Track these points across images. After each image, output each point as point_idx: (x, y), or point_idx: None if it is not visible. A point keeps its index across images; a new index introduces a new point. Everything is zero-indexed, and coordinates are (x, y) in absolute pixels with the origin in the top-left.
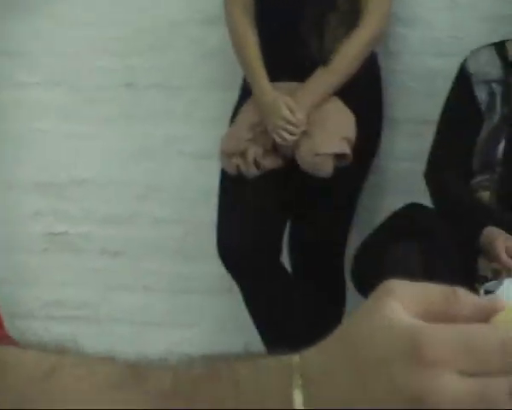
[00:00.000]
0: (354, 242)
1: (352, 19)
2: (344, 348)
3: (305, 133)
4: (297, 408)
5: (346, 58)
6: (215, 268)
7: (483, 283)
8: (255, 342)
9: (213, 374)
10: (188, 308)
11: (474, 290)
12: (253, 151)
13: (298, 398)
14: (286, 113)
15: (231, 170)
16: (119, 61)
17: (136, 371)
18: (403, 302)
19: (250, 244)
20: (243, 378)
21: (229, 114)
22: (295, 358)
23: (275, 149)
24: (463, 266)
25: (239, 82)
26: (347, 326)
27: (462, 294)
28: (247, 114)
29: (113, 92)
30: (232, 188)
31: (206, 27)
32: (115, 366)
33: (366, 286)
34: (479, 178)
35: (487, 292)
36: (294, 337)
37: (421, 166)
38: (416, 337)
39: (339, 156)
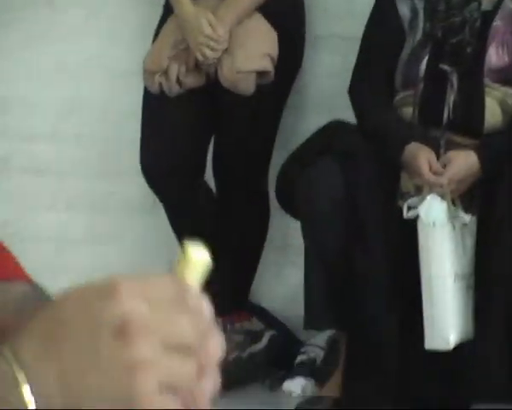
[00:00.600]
0: (277, 162)
1: None
2: (52, 328)
3: (226, 51)
4: (31, 408)
5: None
6: (138, 186)
7: (406, 199)
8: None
9: None
10: (110, 226)
11: (397, 207)
12: (176, 69)
13: (28, 396)
14: (207, 29)
15: (154, 89)
16: None
17: None
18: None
19: (173, 163)
20: None
21: (153, 31)
22: (6, 347)
23: (197, 66)
24: (385, 184)
25: None
26: (57, 305)
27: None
28: (170, 32)
29: (35, 11)
30: (155, 106)
31: None
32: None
33: (289, 204)
34: (401, 95)
35: (410, 208)
36: (216, 256)
37: (345, 83)
38: (110, 280)
39: (261, 74)
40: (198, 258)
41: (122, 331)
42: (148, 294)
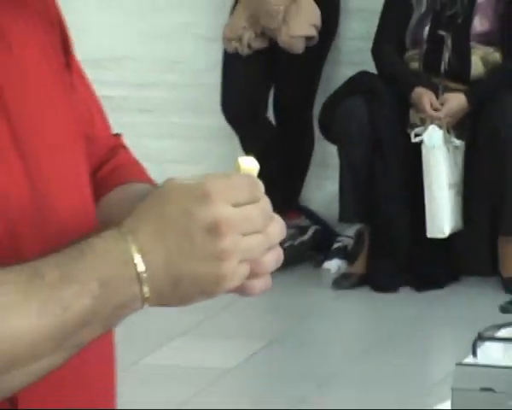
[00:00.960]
0: (319, 101)
1: None
2: (167, 226)
3: (284, 20)
4: (140, 270)
5: None
6: (219, 121)
7: (413, 128)
8: None
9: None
10: (198, 150)
11: (406, 135)
12: (247, 36)
13: (138, 261)
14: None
15: (230, 50)
16: None
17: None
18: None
19: (244, 103)
20: (86, 245)
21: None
22: (125, 229)
23: (263, 33)
24: (398, 116)
25: None
26: (164, 202)
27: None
28: (243, 7)
29: None
30: (231, 63)
31: None
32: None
33: (328, 133)
34: (410, 53)
35: (416, 135)
36: (276, 172)
37: (368, 45)
38: (203, 186)
39: (308, 38)
40: (248, 165)
41: (213, 229)
42: (231, 197)
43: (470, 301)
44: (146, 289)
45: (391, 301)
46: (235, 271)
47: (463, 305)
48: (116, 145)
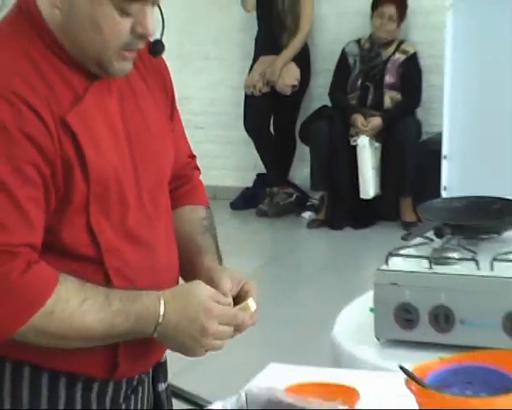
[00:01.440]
0: (299, 122)
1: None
2: (185, 308)
3: (280, 76)
4: (159, 320)
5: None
6: (243, 134)
7: (352, 137)
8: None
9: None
10: (230, 151)
11: (348, 141)
12: (259, 85)
13: (161, 309)
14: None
15: (249, 93)
16: None
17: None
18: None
19: (257, 123)
20: (141, 295)
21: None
22: (163, 293)
23: (267, 83)
24: (344, 131)
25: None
26: (188, 296)
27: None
28: (257, 67)
29: None
30: (249, 100)
31: None
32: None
33: (305, 139)
34: (350, 95)
35: (354, 141)
36: (274, 161)
37: (327, 90)
38: (208, 308)
39: (293, 86)
40: (250, 304)
41: (204, 331)
42: (220, 318)
43: (385, 234)
44: (158, 329)
45: (339, 235)
46: (208, 343)
47: (381, 237)
48: (192, 165)
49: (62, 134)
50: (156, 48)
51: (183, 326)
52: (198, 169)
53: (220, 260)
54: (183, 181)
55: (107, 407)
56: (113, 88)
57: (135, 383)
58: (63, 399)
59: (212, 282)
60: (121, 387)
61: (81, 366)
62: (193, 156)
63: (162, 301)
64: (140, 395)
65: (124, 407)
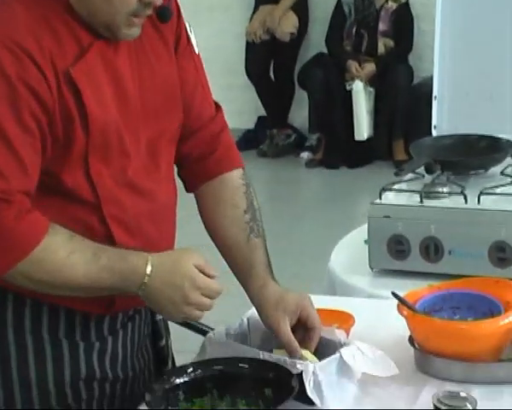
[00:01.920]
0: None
1: None
2: (171, 274)
3: (279, 23)
4: (145, 280)
5: None
6: (244, 78)
7: (348, 82)
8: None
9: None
10: (233, 93)
11: (344, 86)
12: (259, 32)
13: (148, 271)
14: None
15: (250, 40)
16: None
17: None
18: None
19: (257, 69)
20: (131, 254)
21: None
22: (151, 256)
23: (268, 30)
24: (340, 76)
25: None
26: (176, 262)
27: None
28: (258, 16)
29: None
30: (250, 47)
31: None
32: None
33: (303, 84)
34: (345, 42)
35: (349, 86)
36: (275, 105)
37: (324, 38)
38: (193, 278)
39: (292, 33)
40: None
41: (185, 299)
42: (204, 289)
43: (378, 173)
44: (143, 286)
45: (335, 174)
46: (190, 310)
47: (375, 176)
48: (217, 126)
49: (64, 86)
50: (163, 14)
51: (167, 291)
52: (225, 125)
53: (270, 267)
54: (210, 145)
55: (105, 334)
56: (120, 44)
57: (131, 312)
58: (63, 327)
59: (265, 312)
60: (117, 316)
61: (79, 304)
62: (216, 115)
63: (149, 264)
64: (137, 322)
65: (121, 333)
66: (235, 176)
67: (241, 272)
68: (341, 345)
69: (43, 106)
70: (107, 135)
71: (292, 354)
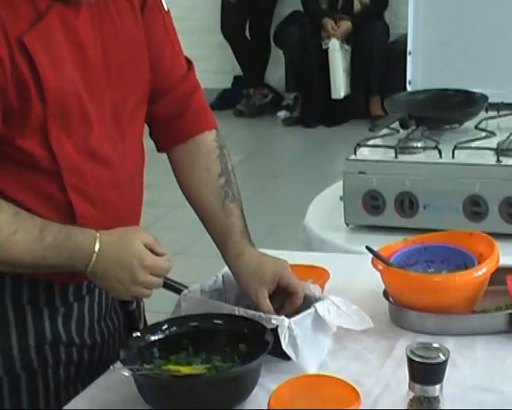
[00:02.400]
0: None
1: None
2: (119, 253)
3: None
4: (95, 250)
5: None
6: (220, 37)
7: (324, 40)
8: None
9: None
10: (208, 49)
11: (320, 44)
12: None
13: (96, 249)
14: None
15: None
16: None
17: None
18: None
19: (233, 28)
20: (76, 231)
21: None
22: (100, 233)
23: None
24: (316, 34)
25: None
26: (124, 241)
27: None
28: None
29: None
30: (227, 7)
31: None
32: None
33: (278, 43)
34: (321, 0)
35: (325, 44)
36: (252, 64)
37: None
38: (141, 257)
39: None
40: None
41: (134, 279)
42: (153, 268)
43: (355, 131)
44: (91, 265)
45: (312, 133)
46: (137, 291)
47: (351, 134)
48: (189, 86)
49: (17, 54)
50: None
51: (115, 270)
52: (197, 86)
53: (246, 232)
54: (182, 106)
55: (71, 300)
56: (82, 6)
57: None
58: (26, 294)
59: (243, 280)
60: (83, 283)
61: (42, 274)
62: (188, 74)
63: (97, 242)
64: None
65: (87, 298)
66: (208, 138)
67: (218, 238)
68: (316, 300)
69: None
70: (66, 103)
71: None
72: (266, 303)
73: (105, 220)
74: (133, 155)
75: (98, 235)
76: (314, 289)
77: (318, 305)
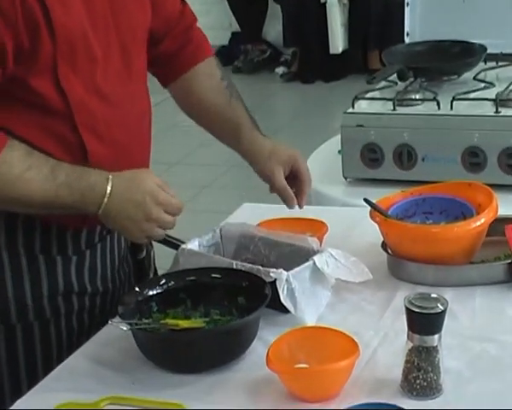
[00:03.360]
0: None
1: None
2: (131, 191)
3: None
4: (105, 200)
5: None
6: None
7: None
8: None
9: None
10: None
11: (318, 0)
12: None
13: (108, 190)
14: None
15: None
16: None
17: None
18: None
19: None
20: (89, 172)
21: None
22: (111, 174)
23: None
24: None
25: None
26: (136, 180)
27: None
28: None
29: None
30: None
31: None
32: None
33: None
34: None
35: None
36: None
37: None
38: (154, 194)
39: None
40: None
41: (147, 216)
42: (166, 205)
43: (354, 86)
44: (103, 205)
45: (311, 88)
46: (151, 229)
47: (350, 88)
48: (187, 19)
49: None
50: None
51: (128, 209)
52: (194, 19)
53: (256, 124)
54: (182, 40)
55: (83, 248)
56: None
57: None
58: (39, 243)
59: (259, 164)
60: (95, 229)
61: (55, 217)
62: (183, 9)
63: (110, 182)
64: (116, 234)
65: (99, 246)
66: (208, 62)
67: (230, 133)
68: (314, 252)
69: (5, 19)
70: (74, 41)
71: (288, 201)
72: (282, 180)
73: (116, 160)
74: (140, 96)
75: (110, 177)
76: (312, 242)
77: (317, 258)
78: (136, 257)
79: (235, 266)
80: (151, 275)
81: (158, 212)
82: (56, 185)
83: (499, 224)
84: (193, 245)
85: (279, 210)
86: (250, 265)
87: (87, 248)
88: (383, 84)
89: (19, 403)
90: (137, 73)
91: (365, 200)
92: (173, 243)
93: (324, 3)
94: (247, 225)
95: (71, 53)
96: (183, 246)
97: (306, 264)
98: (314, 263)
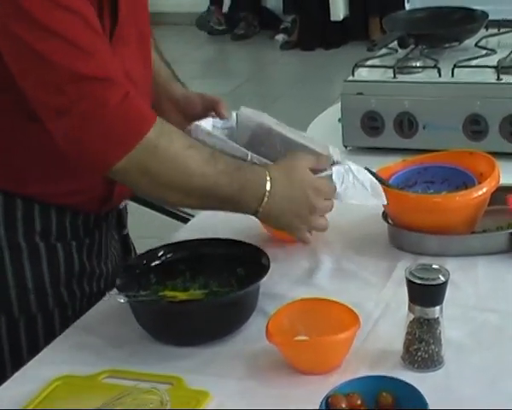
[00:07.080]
0: None
1: None
2: (291, 186)
3: None
4: (265, 199)
5: None
6: None
7: None
8: None
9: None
10: None
11: None
12: None
13: (268, 186)
14: None
15: None
16: None
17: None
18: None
19: None
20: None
21: None
22: (268, 170)
23: None
24: None
25: None
26: (292, 172)
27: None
28: None
29: None
30: None
31: None
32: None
33: None
34: None
35: None
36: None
37: None
38: (316, 187)
39: None
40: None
41: (313, 209)
42: (323, 193)
43: (354, 53)
44: (263, 206)
45: (311, 55)
46: (315, 221)
47: (351, 56)
48: None
49: None
50: None
51: (291, 208)
52: None
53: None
54: None
55: (91, 227)
56: None
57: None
58: (55, 231)
59: (191, 105)
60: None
61: (71, 199)
62: None
63: (268, 177)
64: (112, 212)
65: (104, 225)
66: None
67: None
68: (334, 163)
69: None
70: (124, 22)
71: (216, 105)
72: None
73: None
74: (150, 79)
75: (267, 172)
76: (334, 151)
77: (335, 169)
78: (120, 233)
79: (249, 158)
80: (132, 250)
81: (320, 202)
82: (217, 171)
83: (501, 193)
84: (207, 124)
85: None
86: (264, 159)
87: (95, 227)
88: (384, 51)
89: (17, 375)
90: (149, 58)
91: (366, 169)
92: (178, 215)
93: None
94: (267, 117)
95: (122, 34)
96: (197, 123)
97: (324, 173)
98: (331, 175)
